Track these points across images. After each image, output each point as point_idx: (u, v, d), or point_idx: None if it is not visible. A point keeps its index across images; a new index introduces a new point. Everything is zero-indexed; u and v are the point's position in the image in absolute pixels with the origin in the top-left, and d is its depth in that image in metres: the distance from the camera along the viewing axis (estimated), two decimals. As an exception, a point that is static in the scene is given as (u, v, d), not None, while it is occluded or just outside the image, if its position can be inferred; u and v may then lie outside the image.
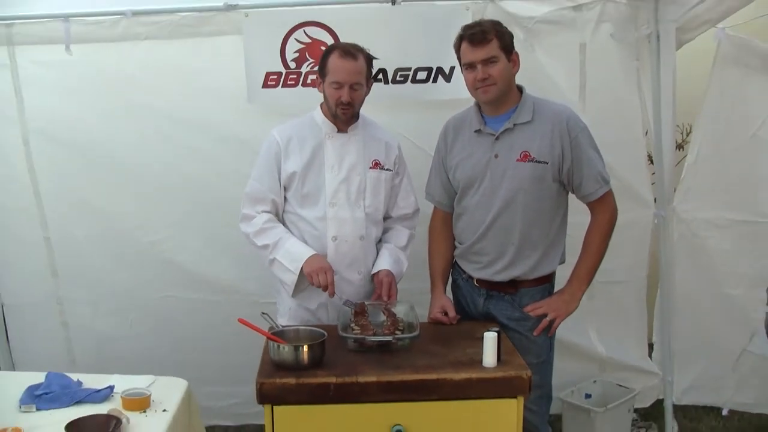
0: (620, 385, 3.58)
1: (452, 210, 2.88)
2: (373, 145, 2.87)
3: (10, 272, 3.64)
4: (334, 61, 2.71)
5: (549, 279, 2.80)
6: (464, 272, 2.86)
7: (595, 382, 3.64)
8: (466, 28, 2.65)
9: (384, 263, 2.86)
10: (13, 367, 3.67)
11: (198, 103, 3.37)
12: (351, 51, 2.71)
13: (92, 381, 2.53)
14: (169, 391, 2.48)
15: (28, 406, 2.37)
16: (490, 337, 2.30)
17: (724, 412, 3.76)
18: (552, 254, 2.76)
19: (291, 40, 3.27)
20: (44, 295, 3.62)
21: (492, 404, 2.28)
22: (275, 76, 3.30)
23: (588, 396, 3.57)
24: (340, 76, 2.69)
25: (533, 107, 2.67)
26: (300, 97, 3.29)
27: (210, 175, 3.44)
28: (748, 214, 3.48)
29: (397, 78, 3.31)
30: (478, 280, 2.81)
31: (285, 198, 2.84)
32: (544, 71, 3.28)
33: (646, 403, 3.71)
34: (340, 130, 2.83)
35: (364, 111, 2.88)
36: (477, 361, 2.32)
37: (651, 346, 3.75)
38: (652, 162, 3.58)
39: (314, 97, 2.97)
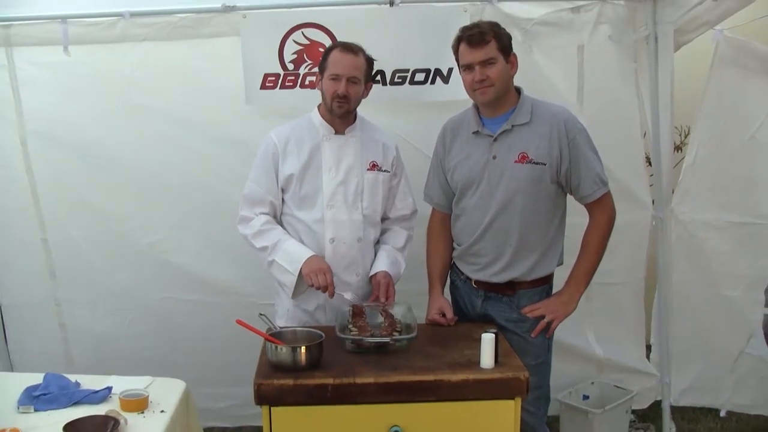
0: (618, 387, 3.58)
1: (450, 211, 2.88)
2: (371, 146, 2.88)
3: (8, 273, 3.63)
4: (335, 55, 2.74)
5: (547, 280, 2.80)
6: (462, 273, 2.86)
7: (592, 383, 3.64)
8: (465, 30, 2.66)
9: (382, 265, 2.87)
10: (11, 368, 3.67)
11: (196, 104, 3.37)
12: (352, 47, 2.75)
13: (90, 382, 2.53)
14: (167, 392, 2.49)
15: (26, 407, 2.37)
16: (487, 339, 2.30)
17: (722, 414, 3.76)
18: (550, 256, 2.76)
19: (289, 41, 3.27)
20: (42, 295, 3.61)
21: (489, 405, 2.27)
22: (273, 78, 3.30)
23: (586, 397, 3.57)
24: (338, 69, 2.71)
25: (531, 109, 2.68)
26: (298, 98, 3.29)
27: (208, 176, 3.44)
28: (746, 216, 3.48)
29: (395, 79, 3.31)
30: (476, 282, 2.81)
31: (282, 200, 2.84)
32: (542, 73, 3.29)
33: (644, 405, 3.71)
34: (337, 132, 2.83)
35: (362, 112, 2.89)
36: (474, 363, 2.32)
37: (649, 348, 3.75)
38: (650, 163, 3.59)
39: (312, 98, 2.98)
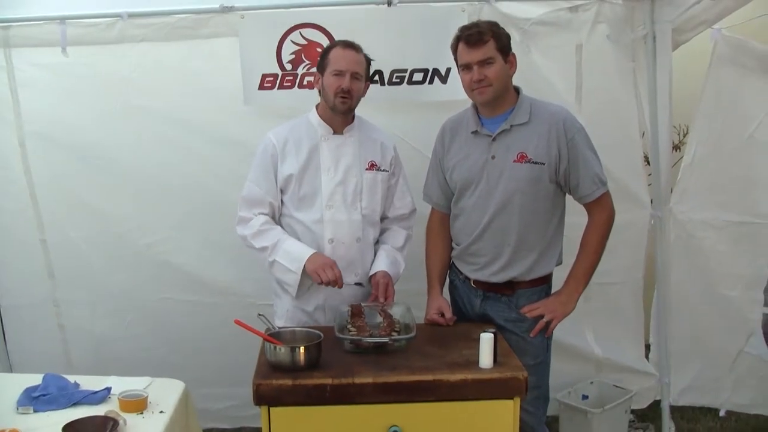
0: (617, 386, 3.58)
1: (449, 211, 2.88)
2: (369, 146, 2.88)
3: (7, 274, 3.64)
4: (337, 52, 2.74)
5: (546, 280, 2.80)
6: (461, 273, 2.86)
7: (592, 383, 3.64)
8: (464, 29, 2.66)
9: (381, 265, 2.87)
10: (10, 369, 3.67)
11: (194, 104, 3.37)
12: (353, 44, 2.76)
13: (89, 382, 2.54)
14: (166, 393, 2.49)
15: (26, 407, 2.37)
16: (486, 339, 2.30)
17: (721, 413, 3.76)
18: (549, 256, 2.76)
19: (287, 41, 3.27)
20: (41, 296, 3.61)
21: (488, 405, 2.27)
22: (271, 78, 3.31)
23: (585, 397, 3.58)
24: (341, 65, 2.71)
25: (530, 108, 2.67)
26: (296, 98, 3.29)
27: (207, 176, 3.44)
28: (745, 215, 3.48)
29: (393, 79, 3.31)
30: (475, 282, 2.81)
31: (282, 201, 2.84)
32: (540, 72, 3.29)
33: (643, 404, 3.71)
34: (335, 132, 2.83)
35: (360, 112, 2.89)
36: (473, 362, 2.32)
37: (648, 347, 3.75)
38: (648, 163, 3.59)
39: (310, 98, 2.98)
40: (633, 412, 3.66)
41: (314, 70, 3.08)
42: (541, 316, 2.73)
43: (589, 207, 2.75)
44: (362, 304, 2.72)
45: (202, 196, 3.45)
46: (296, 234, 2.82)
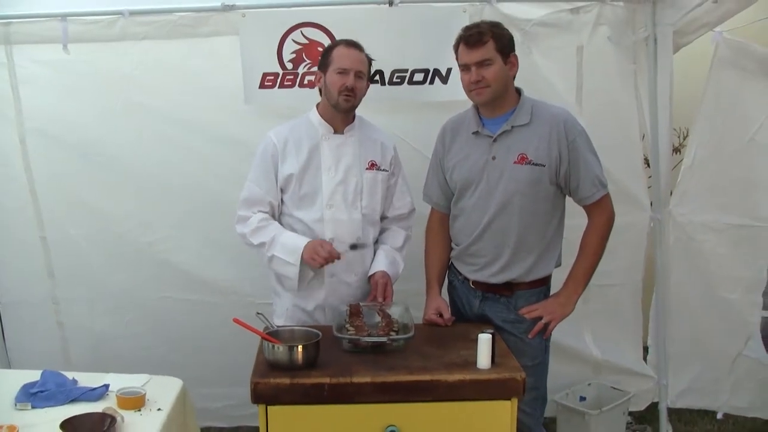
0: (615, 388, 3.58)
1: (449, 211, 2.88)
2: (369, 145, 2.88)
3: (7, 271, 3.64)
4: (340, 50, 2.74)
5: (545, 282, 2.80)
6: (460, 274, 2.86)
7: (589, 384, 3.64)
8: (465, 30, 2.66)
9: (380, 264, 2.87)
10: (8, 365, 3.67)
11: (195, 103, 3.37)
12: (356, 43, 2.77)
13: (87, 379, 2.54)
14: (164, 390, 2.49)
15: (24, 404, 2.38)
16: (484, 339, 2.30)
17: (719, 416, 3.76)
18: (548, 257, 2.76)
19: (288, 40, 3.27)
20: (40, 294, 3.61)
21: (486, 406, 2.27)
22: (272, 77, 3.31)
23: (583, 399, 3.58)
24: (345, 63, 2.71)
25: (531, 110, 2.67)
26: (297, 97, 3.29)
27: (207, 175, 3.44)
28: (745, 218, 3.49)
29: (394, 79, 3.31)
30: (474, 282, 2.81)
31: (282, 200, 2.84)
32: (541, 74, 3.29)
33: (641, 406, 3.71)
34: (336, 131, 2.83)
35: (361, 112, 2.89)
36: (471, 363, 2.32)
37: (646, 349, 3.75)
38: (648, 165, 3.59)
39: (311, 98, 2.98)
40: (631, 413, 3.65)
41: (315, 69, 3.09)
42: (540, 318, 2.73)
43: (589, 209, 2.75)
44: (361, 304, 2.72)
45: (202, 195, 3.45)
46: (296, 233, 2.81)
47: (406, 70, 3.31)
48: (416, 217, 3.03)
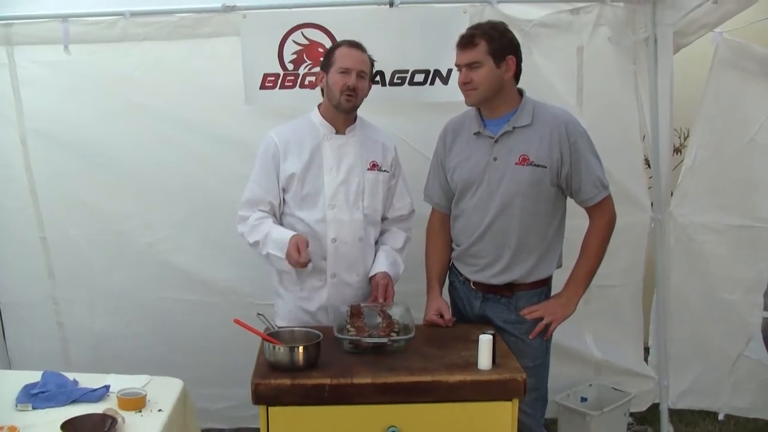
0: (616, 389, 3.58)
1: (450, 212, 2.88)
2: (371, 146, 2.88)
3: (7, 271, 3.64)
4: (343, 50, 2.75)
5: (546, 283, 2.80)
6: (461, 274, 2.86)
7: (590, 385, 3.64)
8: (465, 30, 2.67)
9: (381, 265, 2.87)
10: (9, 366, 3.67)
11: (196, 103, 3.37)
12: (359, 44, 2.78)
13: (88, 380, 2.54)
14: (164, 391, 2.49)
15: (24, 404, 2.38)
16: (485, 340, 2.30)
17: (720, 417, 3.77)
18: (549, 258, 2.76)
19: (289, 41, 3.27)
20: (41, 294, 3.61)
21: (487, 407, 2.27)
22: (273, 78, 3.30)
23: (584, 399, 3.58)
24: (348, 63, 2.72)
25: (533, 111, 2.67)
26: (297, 98, 3.29)
27: (208, 176, 3.44)
28: (745, 219, 3.49)
29: (395, 80, 3.31)
30: (475, 283, 2.81)
31: (284, 200, 2.84)
32: (541, 74, 3.28)
33: (642, 407, 3.71)
34: (338, 132, 2.83)
35: (361, 112, 2.89)
36: (472, 364, 2.32)
37: (647, 350, 3.75)
38: (649, 166, 3.59)
39: (312, 98, 2.98)
40: (632, 414, 3.66)
41: (316, 70, 3.09)
42: (541, 318, 2.73)
43: (591, 211, 2.75)
44: (361, 305, 2.72)
45: (202, 196, 3.45)
46: (298, 232, 2.80)
47: (406, 71, 3.31)
48: (416, 218, 3.03)
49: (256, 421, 2.27)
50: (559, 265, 2.81)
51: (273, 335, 2.40)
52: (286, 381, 2.22)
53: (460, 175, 2.76)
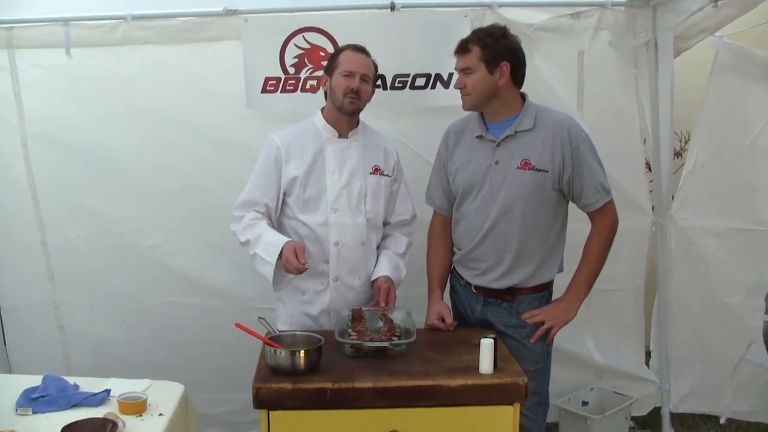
0: (617, 393, 3.58)
1: (452, 215, 2.87)
2: (373, 150, 2.88)
3: (7, 275, 3.63)
4: (347, 54, 2.76)
5: (547, 287, 2.80)
6: (462, 278, 2.86)
7: (592, 389, 3.63)
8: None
9: (383, 270, 2.87)
10: (10, 370, 3.66)
11: (197, 107, 3.37)
12: (363, 48, 2.79)
13: (89, 384, 2.53)
14: (165, 395, 2.49)
15: (25, 409, 2.37)
16: (486, 344, 2.29)
17: (722, 421, 3.76)
18: (550, 262, 2.75)
19: (290, 45, 3.27)
20: (41, 298, 3.60)
21: (488, 411, 2.27)
22: (274, 82, 3.31)
23: (585, 403, 3.57)
24: (352, 66, 2.73)
25: (535, 115, 2.67)
26: (299, 102, 3.29)
27: (208, 179, 3.44)
28: (746, 222, 3.49)
29: (396, 84, 3.31)
30: (476, 287, 2.81)
31: (286, 203, 2.83)
32: (542, 78, 3.28)
33: (644, 411, 3.71)
34: (340, 135, 2.84)
35: (362, 116, 2.89)
36: (473, 368, 2.32)
37: (648, 354, 3.75)
38: (649, 169, 3.59)
39: (313, 102, 2.99)
40: (633, 418, 3.65)
41: (317, 73, 3.09)
42: (542, 323, 2.72)
43: (593, 215, 2.75)
44: (363, 309, 2.72)
45: (203, 199, 3.45)
46: (300, 236, 2.81)
47: (407, 75, 3.31)
48: (417, 223, 3.03)
49: (258, 425, 2.26)
50: (561, 270, 2.81)
51: (274, 339, 2.40)
52: (288, 385, 2.22)
53: (461, 178, 2.76)
